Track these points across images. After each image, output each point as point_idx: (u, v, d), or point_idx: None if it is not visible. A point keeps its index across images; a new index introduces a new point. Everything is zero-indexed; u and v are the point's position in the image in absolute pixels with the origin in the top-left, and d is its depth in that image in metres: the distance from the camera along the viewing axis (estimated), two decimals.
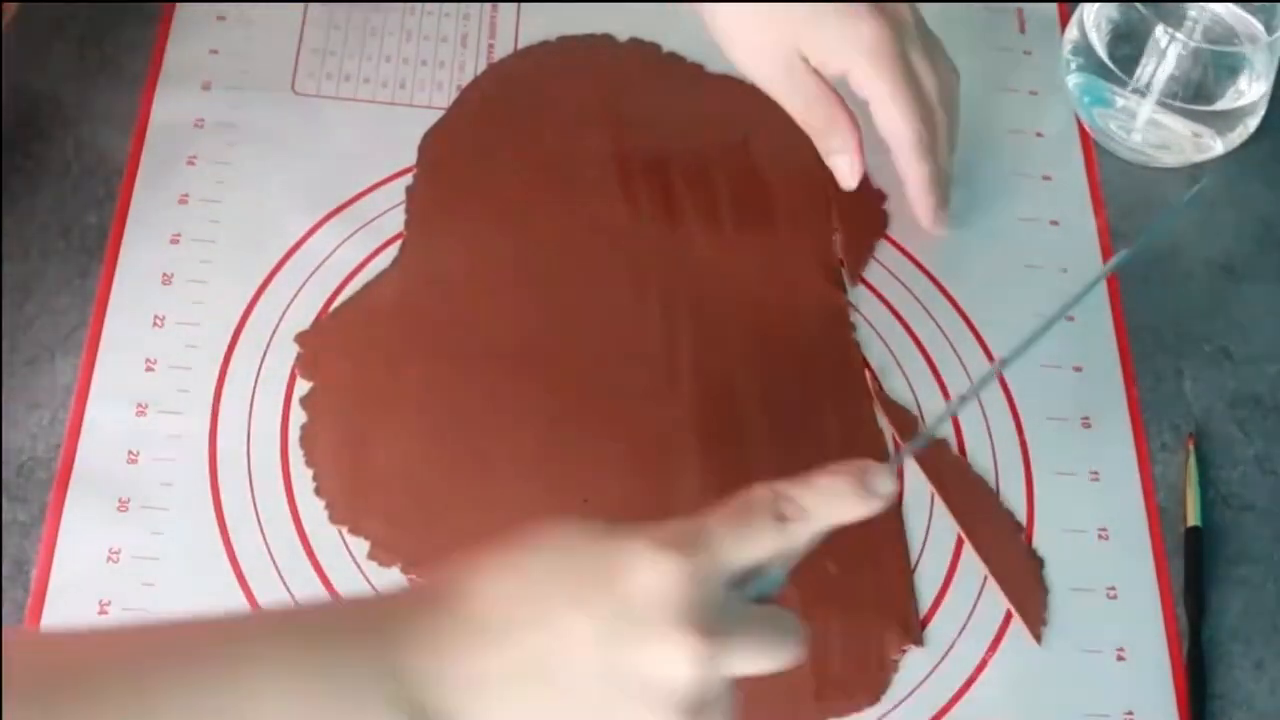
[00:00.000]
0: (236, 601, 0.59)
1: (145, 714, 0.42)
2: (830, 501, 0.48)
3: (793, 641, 0.47)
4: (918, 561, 0.64)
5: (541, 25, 0.77)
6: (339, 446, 0.63)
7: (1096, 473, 0.68)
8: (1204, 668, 0.63)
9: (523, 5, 0.78)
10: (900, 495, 0.66)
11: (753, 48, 0.68)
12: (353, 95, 0.73)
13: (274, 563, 0.60)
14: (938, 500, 0.66)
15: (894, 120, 0.66)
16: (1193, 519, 0.66)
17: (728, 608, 0.46)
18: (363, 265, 0.68)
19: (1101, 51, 0.75)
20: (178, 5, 0.74)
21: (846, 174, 0.69)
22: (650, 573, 0.45)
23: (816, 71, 0.67)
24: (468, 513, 0.62)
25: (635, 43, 0.77)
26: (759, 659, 0.46)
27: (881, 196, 0.73)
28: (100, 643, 0.45)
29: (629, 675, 0.44)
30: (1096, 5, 0.76)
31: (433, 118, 0.73)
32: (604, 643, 0.44)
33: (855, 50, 0.65)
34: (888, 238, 0.73)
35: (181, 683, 0.42)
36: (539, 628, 0.45)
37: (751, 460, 0.65)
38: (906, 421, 0.67)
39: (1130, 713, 0.62)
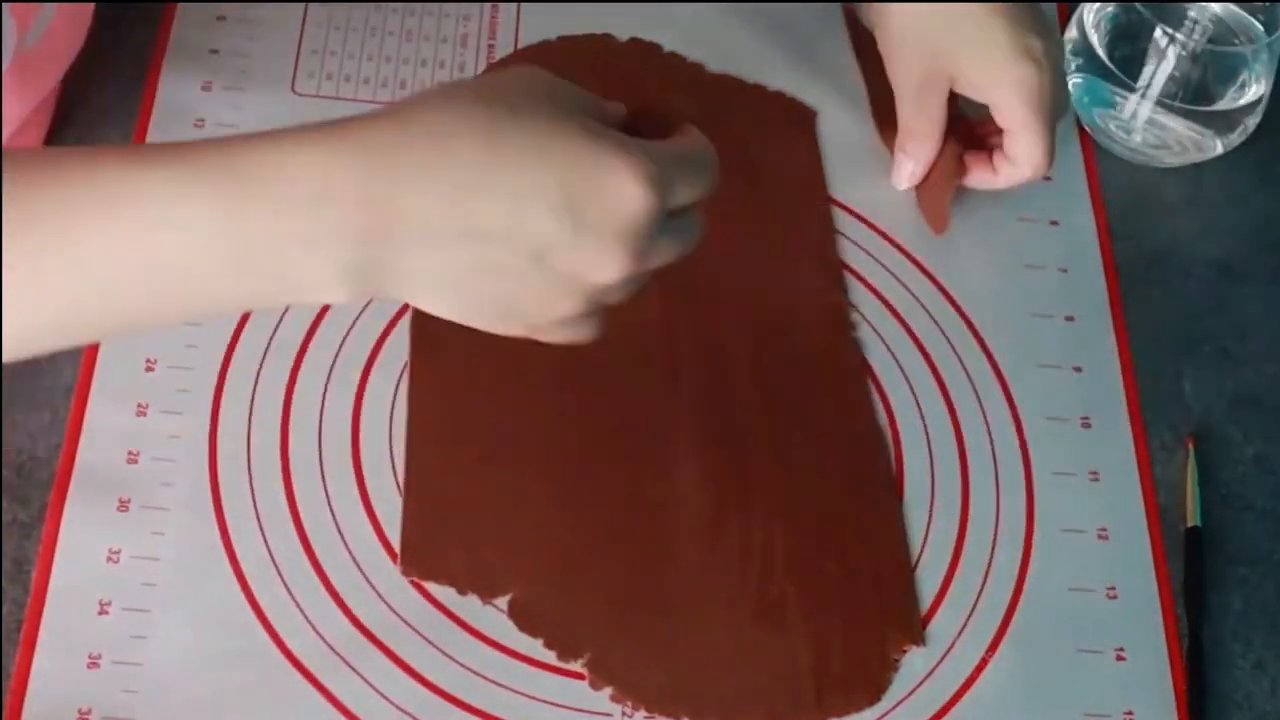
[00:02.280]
0: (236, 602, 0.59)
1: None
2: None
3: (711, 170, 0.50)
4: (918, 561, 0.64)
5: (541, 25, 0.77)
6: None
7: (1096, 473, 0.68)
8: (1204, 668, 0.63)
9: (523, 5, 0.78)
10: (900, 495, 0.66)
11: (907, 52, 0.70)
12: (353, 95, 0.73)
13: (274, 563, 0.60)
14: (938, 500, 0.66)
15: (1029, 157, 0.69)
16: (1192, 519, 0.66)
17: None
18: None
19: (1101, 52, 0.75)
20: (178, 5, 0.74)
21: (904, 178, 0.73)
22: (627, 201, 0.46)
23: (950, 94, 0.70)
24: (466, 511, 0.62)
25: (635, 43, 0.77)
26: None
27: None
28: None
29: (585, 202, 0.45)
30: (1096, 5, 0.76)
31: None
32: (561, 216, 0.45)
33: (1013, 94, 0.68)
34: (890, 240, 0.73)
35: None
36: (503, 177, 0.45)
37: (751, 460, 0.65)
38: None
39: (1130, 713, 0.62)
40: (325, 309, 0.67)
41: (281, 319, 0.66)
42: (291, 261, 0.44)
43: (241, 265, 0.44)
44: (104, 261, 0.43)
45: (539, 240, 0.45)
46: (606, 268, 0.47)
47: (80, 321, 0.46)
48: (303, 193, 0.43)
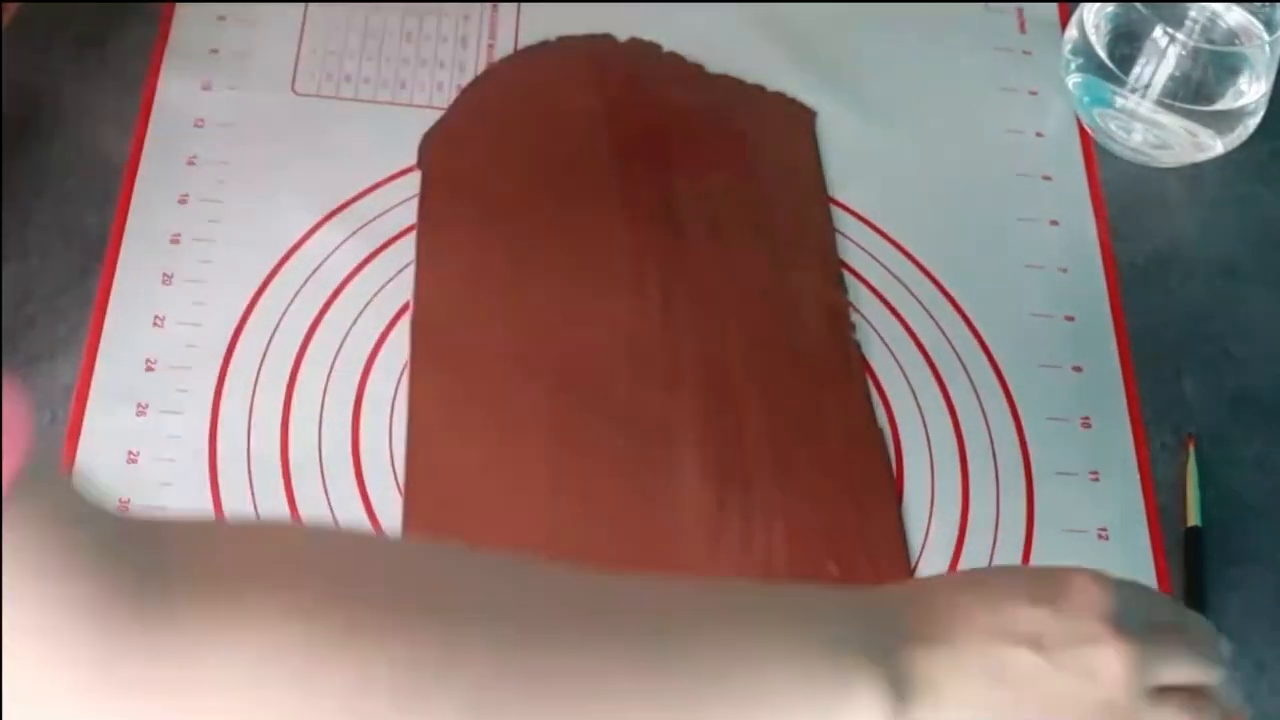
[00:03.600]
0: None
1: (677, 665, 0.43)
2: None
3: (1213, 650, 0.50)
4: (918, 561, 0.64)
5: (541, 25, 0.77)
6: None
7: (1096, 473, 0.68)
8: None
9: (523, 5, 0.78)
10: (900, 495, 0.66)
11: None
12: (353, 95, 0.73)
13: None
14: (938, 500, 0.66)
15: None
16: (1193, 519, 0.66)
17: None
18: (363, 265, 0.68)
19: (1101, 51, 0.75)
20: (178, 5, 0.74)
21: None
22: (1092, 588, 0.48)
23: None
24: (467, 510, 0.62)
25: (635, 43, 0.77)
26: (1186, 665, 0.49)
27: None
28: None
29: (1073, 671, 0.46)
30: (1096, 5, 0.76)
31: (433, 118, 0.73)
32: (1052, 646, 0.47)
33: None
34: (890, 240, 0.73)
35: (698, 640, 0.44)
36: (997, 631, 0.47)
37: (751, 460, 0.65)
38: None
39: None
40: (325, 309, 0.67)
41: (282, 319, 0.66)
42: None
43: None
44: None
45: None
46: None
47: None
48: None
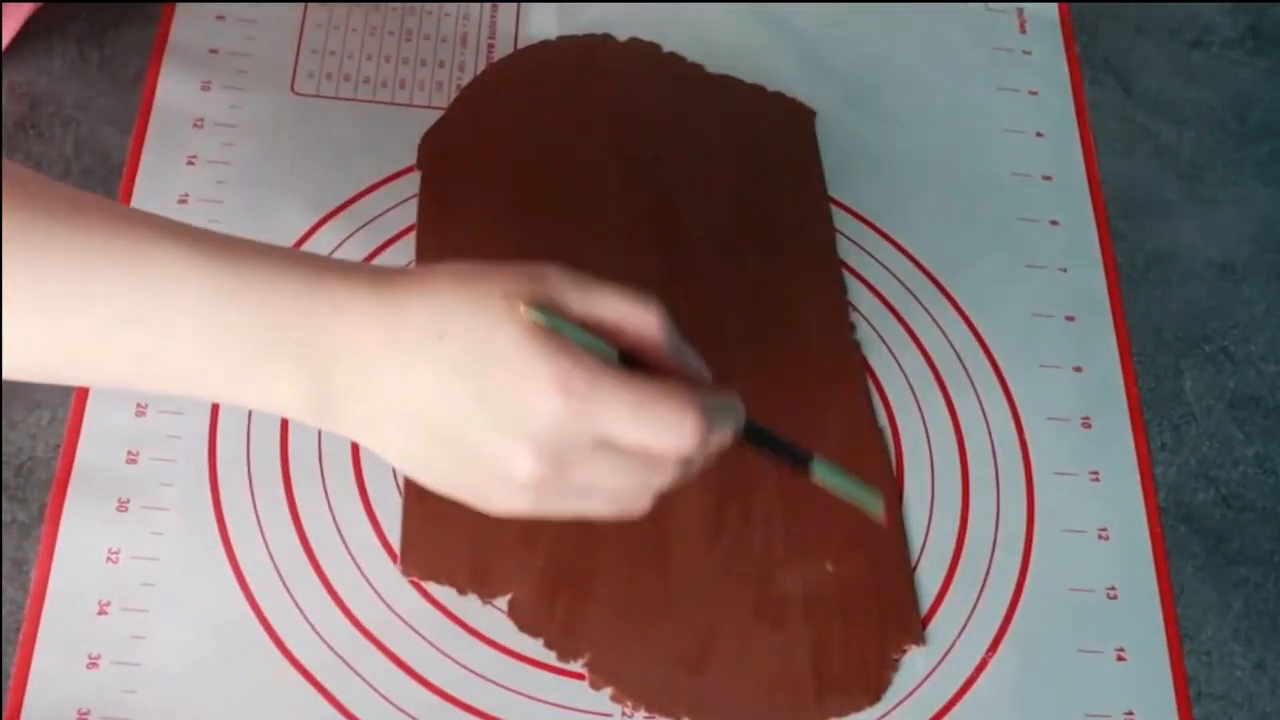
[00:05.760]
0: (236, 602, 0.59)
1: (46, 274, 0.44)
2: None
3: (689, 421, 0.46)
4: (918, 561, 0.64)
5: (541, 25, 0.77)
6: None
7: (1096, 473, 0.68)
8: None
9: (523, 5, 0.78)
10: (900, 495, 0.66)
11: None
12: (353, 95, 0.73)
13: (274, 563, 0.60)
14: (938, 500, 0.66)
15: None
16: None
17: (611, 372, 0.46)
18: None
19: None
20: (178, 5, 0.74)
21: None
22: (539, 408, 0.45)
23: None
24: (466, 511, 0.62)
25: (635, 43, 0.77)
26: (640, 427, 0.46)
27: None
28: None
29: (501, 405, 0.45)
30: None
31: (433, 118, 0.73)
32: (483, 368, 0.45)
33: None
34: (890, 240, 0.73)
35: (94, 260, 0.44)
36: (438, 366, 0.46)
37: (751, 460, 0.65)
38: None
39: (1130, 713, 0.62)
40: None
41: None
42: (257, 379, 0.46)
43: (222, 368, 0.46)
44: (105, 313, 0.45)
45: (456, 420, 0.46)
46: (515, 467, 0.46)
47: (65, 363, 0.47)
48: (282, 322, 0.46)
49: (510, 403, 0.45)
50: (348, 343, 0.46)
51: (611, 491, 0.48)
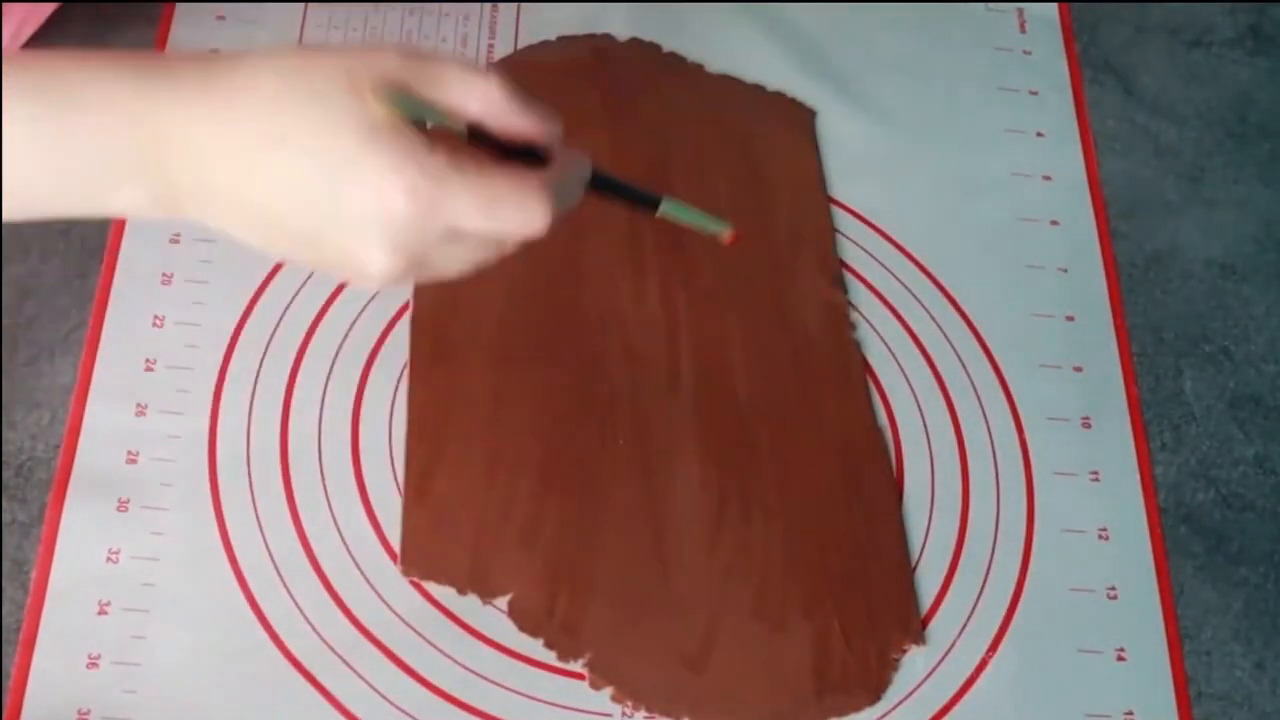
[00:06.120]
0: (236, 602, 0.59)
1: None
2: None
3: (537, 209, 0.46)
4: (918, 561, 0.64)
5: (541, 25, 0.77)
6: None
7: (1096, 473, 0.68)
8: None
9: (523, 5, 0.78)
10: (900, 495, 0.66)
11: None
12: None
13: (274, 563, 0.60)
14: (938, 500, 0.66)
15: None
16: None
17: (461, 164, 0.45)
18: None
19: None
20: (178, 5, 0.74)
21: None
22: (383, 205, 0.45)
23: None
24: (466, 511, 0.62)
25: (635, 43, 0.77)
26: (489, 219, 0.46)
27: None
28: None
29: (351, 208, 0.45)
30: None
31: None
32: (329, 173, 0.44)
33: None
34: (890, 240, 0.73)
35: None
36: (282, 145, 0.45)
37: (751, 459, 0.65)
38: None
39: (1130, 713, 0.62)
40: (327, 307, 0.67)
41: (281, 318, 0.66)
42: (104, 191, 0.46)
43: (74, 183, 0.46)
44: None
45: (309, 222, 0.46)
46: (370, 265, 0.46)
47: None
48: (110, 120, 0.45)
49: (359, 206, 0.45)
50: (184, 148, 0.45)
51: (466, 264, 0.48)
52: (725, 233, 0.55)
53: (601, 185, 0.53)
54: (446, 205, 0.45)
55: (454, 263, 0.48)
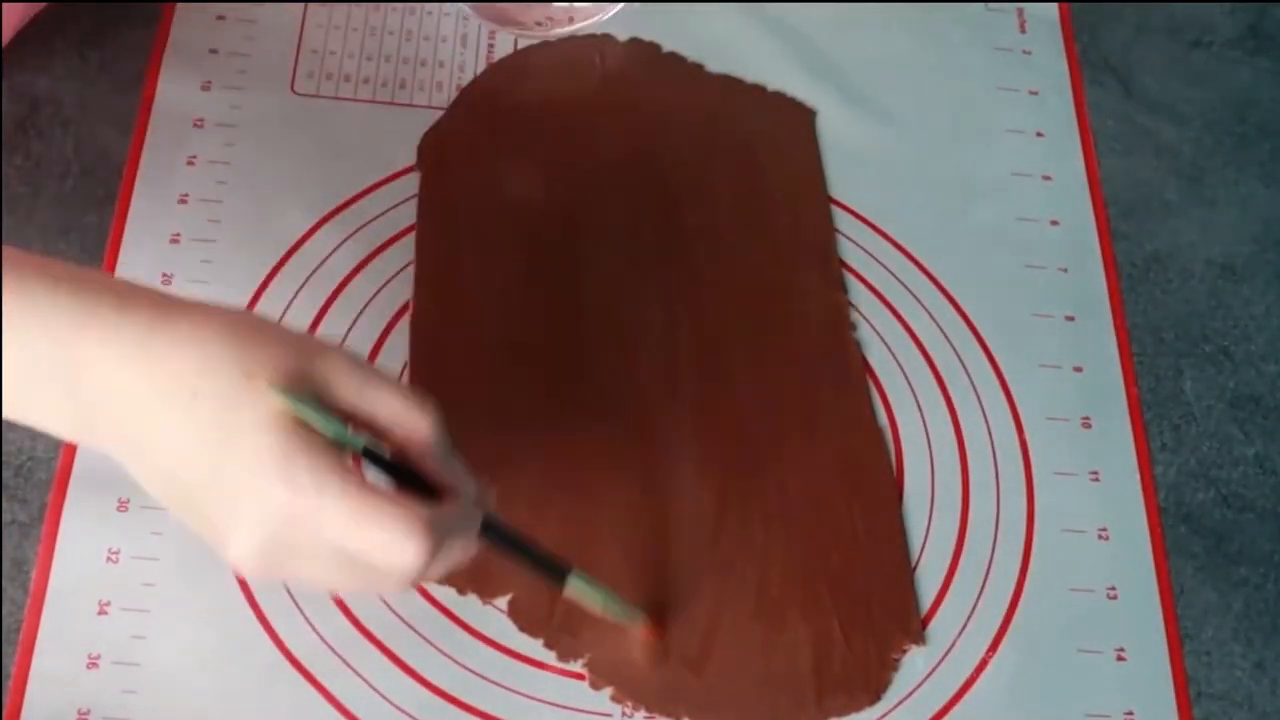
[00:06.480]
0: (236, 602, 0.59)
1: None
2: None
3: (411, 544, 0.45)
4: (918, 561, 0.64)
5: None
6: None
7: (1096, 473, 0.68)
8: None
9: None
10: (900, 495, 0.66)
11: None
12: (352, 95, 0.73)
13: None
14: (938, 500, 0.66)
15: None
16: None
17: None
18: (362, 265, 0.68)
19: None
20: (178, 5, 0.74)
21: None
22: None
23: None
24: None
25: (635, 43, 0.77)
26: (360, 540, 0.45)
27: None
28: None
29: (229, 483, 0.45)
30: None
31: (433, 118, 0.73)
32: (223, 443, 0.45)
33: None
34: (890, 240, 0.73)
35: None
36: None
37: (751, 459, 0.65)
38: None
39: (1130, 713, 0.62)
40: (325, 309, 0.67)
41: (281, 319, 0.66)
42: (25, 403, 0.47)
43: (8, 389, 0.46)
44: None
45: (191, 483, 0.46)
46: (231, 545, 0.46)
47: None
48: (46, 349, 0.45)
49: (236, 484, 0.45)
50: (106, 381, 0.45)
51: (325, 583, 0.47)
52: (636, 624, 0.55)
53: (503, 541, 0.51)
54: (319, 510, 0.44)
55: (315, 574, 0.46)
